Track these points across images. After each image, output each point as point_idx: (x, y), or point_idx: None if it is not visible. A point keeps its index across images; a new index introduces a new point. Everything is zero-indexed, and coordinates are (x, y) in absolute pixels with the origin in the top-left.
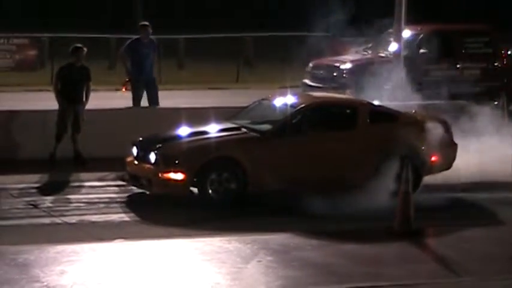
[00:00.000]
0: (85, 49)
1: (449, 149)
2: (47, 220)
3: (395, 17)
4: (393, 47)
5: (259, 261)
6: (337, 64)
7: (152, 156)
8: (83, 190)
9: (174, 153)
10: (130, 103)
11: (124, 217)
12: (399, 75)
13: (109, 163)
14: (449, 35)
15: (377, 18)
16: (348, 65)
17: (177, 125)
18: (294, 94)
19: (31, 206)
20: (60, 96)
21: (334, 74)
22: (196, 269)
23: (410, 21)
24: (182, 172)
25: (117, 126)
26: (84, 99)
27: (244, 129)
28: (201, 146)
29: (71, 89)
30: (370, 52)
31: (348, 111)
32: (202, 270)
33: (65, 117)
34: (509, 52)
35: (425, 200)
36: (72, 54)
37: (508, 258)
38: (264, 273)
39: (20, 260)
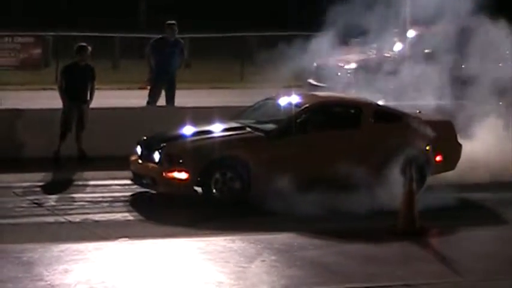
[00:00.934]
0: (89, 48)
1: (453, 150)
2: (50, 219)
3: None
4: (398, 46)
5: (263, 260)
6: (342, 64)
7: (156, 155)
8: (87, 189)
9: (178, 153)
10: (134, 102)
11: (128, 216)
12: (404, 74)
13: (115, 162)
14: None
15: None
16: (353, 65)
17: (182, 124)
18: (298, 94)
19: (35, 205)
20: (65, 95)
21: (339, 73)
22: (200, 268)
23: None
24: (186, 171)
25: (122, 125)
26: (88, 98)
27: (248, 129)
28: (205, 146)
29: (75, 87)
30: (374, 52)
31: (352, 110)
32: (205, 270)
33: (69, 116)
34: None
35: (431, 200)
36: (77, 53)
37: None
38: (267, 273)
39: (24, 258)
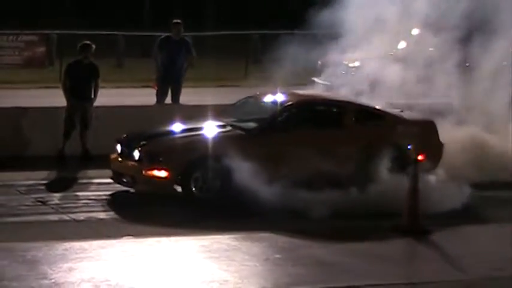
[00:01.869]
0: (93, 46)
1: (435, 149)
2: (55, 217)
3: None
4: (402, 44)
5: (267, 259)
6: (346, 61)
7: (136, 154)
8: (92, 187)
9: (157, 151)
10: (139, 100)
11: (131, 214)
12: (408, 73)
13: None
14: None
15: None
16: (357, 63)
17: (173, 121)
18: (280, 92)
19: (39, 203)
20: (69, 93)
21: (343, 71)
22: (205, 266)
23: None
24: (166, 170)
25: (127, 124)
26: (92, 96)
27: (229, 127)
28: (185, 144)
29: (79, 86)
30: (379, 50)
31: (333, 110)
32: (210, 268)
33: (73, 114)
34: None
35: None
36: (81, 51)
37: None
38: (272, 271)
39: (28, 256)
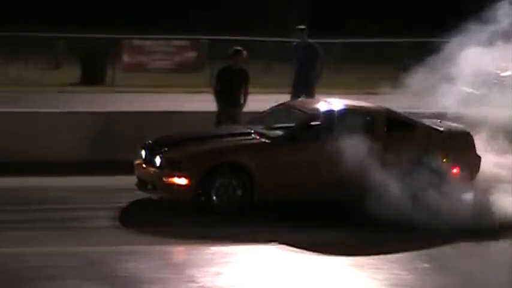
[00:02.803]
0: (245, 52)
1: (471, 162)
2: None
3: None
4: None
5: (416, 268)
6: (498, 71)
7: (157, 160)
8: None
9: (178, 157)
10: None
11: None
12: None
13: None
14: None
15: None
16: (509, 72)
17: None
18: (315, 99)
19: None
20: (219, 98)
21: (495, 80)
22: (352, 275)
23: None
24: (186, 177)
25: None
26: (241, 101)
27: (254, 135)
28: (206, 151)
29: (230, 91)
30: None
31: (365, 118)
32: (358, 277)
33: (222, 119)
34: None
35: None
36: (232, 57)
37: None
38: (420, 280)
39: (175, 260)
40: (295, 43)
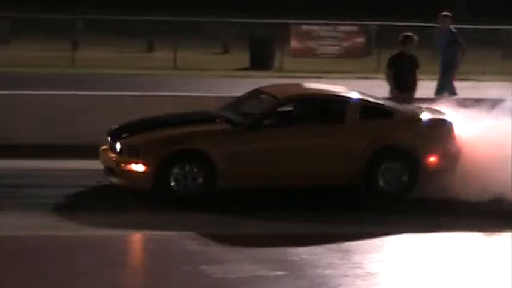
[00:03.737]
0: (416, 38)
1: (451, 150)
2: None
3: None
4: None
5: None
6: None
7: (117, 146)
8: None
9: (136, 144)
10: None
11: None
12: None
13: None
14: None
15: None
16: None
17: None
18: (287, 84)
19: None
20: (392, 83)
21: None
22: None
23: None
24: (144, 164)
25: None
26: (412, 87)
27: (219, 121)
28: (164, 137)
29: (402, 77)
30: None
31: (336, 105)
32: None
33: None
34: None
35: None
36: (403, 43)
37: None
38: None
39: (343, 246)
40: (439, 30)
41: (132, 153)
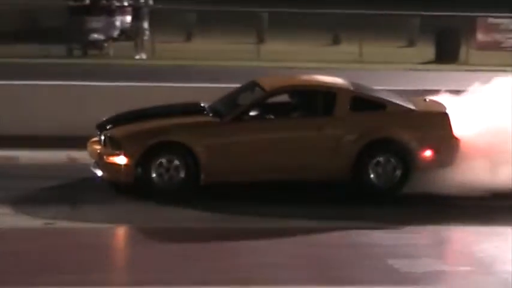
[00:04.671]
0: None
1: (447, 144)
2: None
3: None
4: None
5: None
6: None
7: (102, 138)
8: None
9: (119, 136)
10: None
11: None
12: None
13: None
14: None
15: None
16: None
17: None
18: (282, 76)
19: None
20: None
21: None
22: None
23: None
24: (125, 156)
25: None
26: None
27: (206, 112)
28: (146, 130)
29: None
30: None
31: (325, 96)
32: None
33: None
34: None
35: None
36: None
37: None
38: None
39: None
40: None
41: (114, 145)
